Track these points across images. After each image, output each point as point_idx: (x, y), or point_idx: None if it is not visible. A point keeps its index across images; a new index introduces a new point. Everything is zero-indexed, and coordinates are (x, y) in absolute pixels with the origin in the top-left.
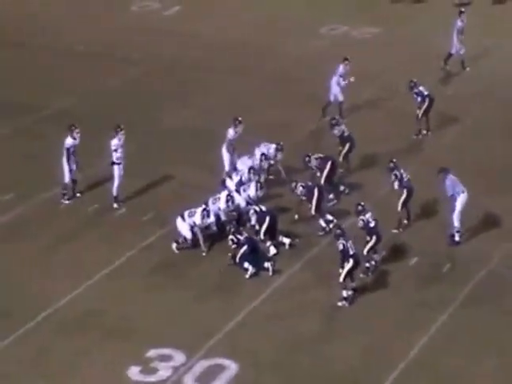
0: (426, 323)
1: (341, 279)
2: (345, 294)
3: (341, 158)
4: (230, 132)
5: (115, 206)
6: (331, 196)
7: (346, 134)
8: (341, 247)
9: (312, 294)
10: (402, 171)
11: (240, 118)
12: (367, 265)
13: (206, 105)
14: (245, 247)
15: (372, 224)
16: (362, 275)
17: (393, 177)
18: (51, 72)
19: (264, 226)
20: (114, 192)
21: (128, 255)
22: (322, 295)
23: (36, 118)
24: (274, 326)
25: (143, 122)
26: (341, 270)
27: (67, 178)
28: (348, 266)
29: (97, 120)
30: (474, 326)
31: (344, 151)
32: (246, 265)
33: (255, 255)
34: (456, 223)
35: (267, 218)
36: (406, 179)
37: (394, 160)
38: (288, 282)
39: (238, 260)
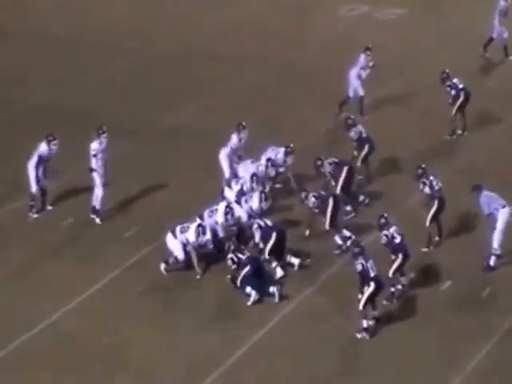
0: (462, 359)
1: (360, 307)
2: (365, 323)
3: (359, 163)
4: (234, 139)
5: (97, 220)
6: (348, 208)
7: (363, 135)
8: (359, 268)
9: (327, 324)
10: (431, 178)
11: (244, 123)
12: (392, 289)
13: (208, 101)
14: (247, 268)
15: (397, 240)
16: (385, 302)
17: (421, 185)
18: (29, 62)
19: (269, 244)
20: (97, 205)
21: (110, 277)
22: (339, 325)
23: (8, 115)
24: (282, 361)
25: (134, 119)
26: (360, 296)
27: (34, 188)
28: (369, 290)
29: (78, 117)
30: None
31: (362, 154)
32: (249, 289)
33: (259, 278)
34: (495, 244)
35: (273, 235)
36: (436, 188)
37: (423, 166)
38: (298, 310)
39: (238, 284)
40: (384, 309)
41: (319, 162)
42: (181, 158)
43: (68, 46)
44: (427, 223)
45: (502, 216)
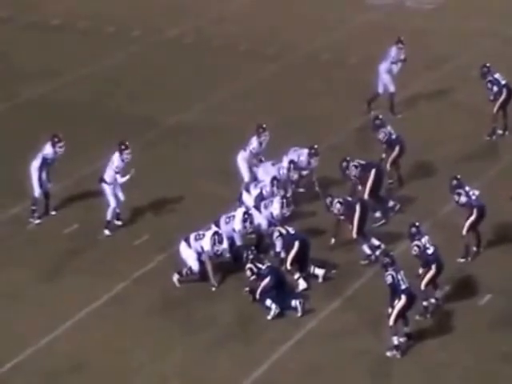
0: (504, 381)
1: (391, 322)
2: (396, 341)
3: (388, 166)
4: (253, 143)
5: (106, 232)
6: (378, 214)
7: (393, 136)
8: (390, 280)
9: (354, 342)
10: (467, 189)
11: (264, 125)
12: (425, 304)
13: (220, 96)
14: (267, 280)
15: (430, 251)
16: (418, 317)
17: (456, 197)
18: (21, 52)
19: (292, 254)
20: (109, 216)
21: (117, 289)
22: (367, 343)
23: (5, 110)
24: (304, 383)
25: (139, 114)
26: (390, 310)
27: (37, 192)
28: (399, 304)
29: (79, 111)
30: None
31: (392, 157)
32: (269, 302)
33: (280, 290)
34: None
35: (296, 244)
36: (474, 197)
37: (458, 177)
38: (323, 326)
39: (258, 296)
40: (417, 325)
41: (345, 164)
42: (191, 160)
43: (65, 35)
44: (464, 232)
45: None
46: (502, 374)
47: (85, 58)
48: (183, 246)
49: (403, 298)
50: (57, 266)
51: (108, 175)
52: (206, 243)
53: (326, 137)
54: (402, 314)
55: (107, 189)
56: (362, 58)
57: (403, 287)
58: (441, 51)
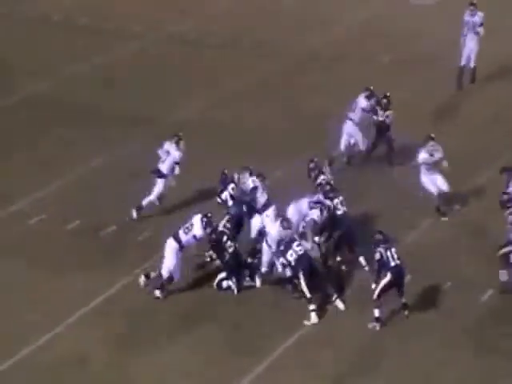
0: (504, 378)
1: (374, 296)
2: (377, 313)
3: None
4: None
5: (134, 215)
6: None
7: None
8: (377, 257)
9: (353, 340)
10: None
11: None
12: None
13: (220, 94)
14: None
15: (340, 212)
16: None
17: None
18: (20, 48)
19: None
20: (144, 201)
21: (119, 285)
22: (366, 341)
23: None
24: (304, 380)
25: (138, 111)
26: (374, 286)
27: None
28: (384, 280)
29: (78, 108)
30: None
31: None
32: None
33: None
34: None
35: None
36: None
37: (316, 159)
38: (322, 325)
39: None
40: (415, 321)
41: (312, 165)
42: (194, 155)
43: (65, 31)
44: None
45: None
46: (501, 370)
47: (84, 54)
48: (170, 241)
49: (388, 275)
50: (59, 262)
51: (165, 167)
52: (197, 229)
53: (328, 135)
54: (385, 290)
55: (162, 181)
56: (362, 53)
57: (392, 264)
58: (441, 46)
